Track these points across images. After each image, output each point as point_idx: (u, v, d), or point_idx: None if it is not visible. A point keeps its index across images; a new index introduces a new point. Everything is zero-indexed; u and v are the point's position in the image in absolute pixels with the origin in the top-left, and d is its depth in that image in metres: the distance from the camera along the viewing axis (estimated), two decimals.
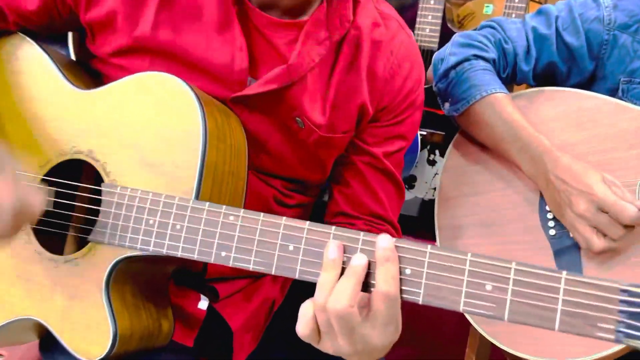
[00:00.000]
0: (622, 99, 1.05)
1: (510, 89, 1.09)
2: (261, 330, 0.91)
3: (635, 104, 1.03)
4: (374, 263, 0.55)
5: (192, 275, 0.85)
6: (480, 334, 1.25)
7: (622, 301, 0.48)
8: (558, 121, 1.04)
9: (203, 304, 0.84)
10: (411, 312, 1.04)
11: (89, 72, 0.84)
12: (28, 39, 0.80)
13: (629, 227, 0.87)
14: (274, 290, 0.93)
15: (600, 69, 1.07)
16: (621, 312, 0.48)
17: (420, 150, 1.79)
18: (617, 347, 0.84)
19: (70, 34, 0.95)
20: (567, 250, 0.96)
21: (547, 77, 1.12)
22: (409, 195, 1.81)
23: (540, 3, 1.92)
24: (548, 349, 0.90)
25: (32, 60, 0.79)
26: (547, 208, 0.99)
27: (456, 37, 1.12)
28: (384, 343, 0.57)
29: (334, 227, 0.58)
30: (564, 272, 0.50)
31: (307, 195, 0.94)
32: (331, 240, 0.57)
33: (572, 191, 0.91)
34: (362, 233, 0.57)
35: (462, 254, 0.53)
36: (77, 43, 1.30)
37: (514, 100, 1.07)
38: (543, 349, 0.90)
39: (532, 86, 1.12)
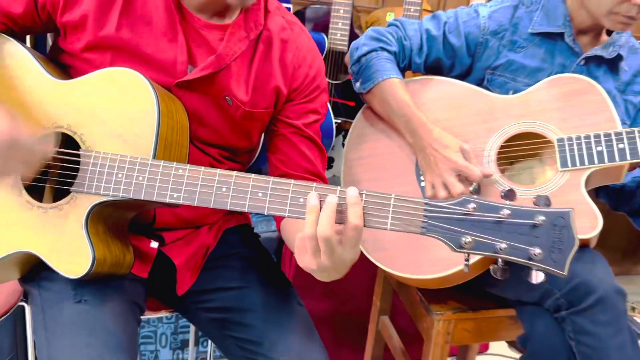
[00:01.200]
0: (487, 87, 1.40)
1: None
2: (198, 269, 1.18)
3: (495, 91, 1.38)
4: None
5: (143, 225, 1.11)
6: (384, 285, 1.61)
7: (425, 209, 0.80)
8: (437, 101, 1.38)
9: (154, 244, 1.10)
10: None
11: (59, 65, 1.07)
12: (11, 38, 1.03)
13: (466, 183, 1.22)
14: (208, 238, 1.20)
15: (474, 64, 1.42)
16: (425, 215, 0.80)
17: (336, 136, 2.12)
18: (459, 267, 1.18)
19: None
20: None
21: (435, 68, 1.46)
22: (328, 174, 2.14)
23: (430, 12, 2.28)
24: (417, 268, 1.23)
25: (16, 56, 1.02)
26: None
27: (369, 31, 1.44)
28: (351, 259, 0.83)
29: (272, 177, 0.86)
30: (393, 195, 0.81)
31: (237, 162, 1.21)
32: (312, 192, 0.83)
33: (438, 156, 1.24)
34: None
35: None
36: (40, 43, 1.52)
37: (409, 84, 1.40)
38: (413, 268, 1.23)
39: (424, 74, 1.46)
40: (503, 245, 0.78)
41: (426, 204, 0.80)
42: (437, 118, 1.34)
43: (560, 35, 1.33)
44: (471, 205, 0.79)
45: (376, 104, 1.38)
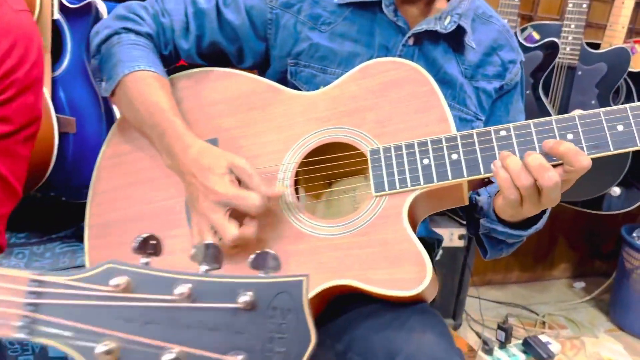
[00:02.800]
0: (293, 85, 1.02)
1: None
2: None
3: (302, 88, 1.01)
4: None
5: None
6: None
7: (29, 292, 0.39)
8: (218, 104, 0.98)
9: None
10: None
11: None
12: None
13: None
14: None
15: (270, 50, 1.03)
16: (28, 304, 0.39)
17: None
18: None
19: None
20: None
21: (217, 57, 1.05)
22: None
23: None
24: None
25: None
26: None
27: (118, 8, 1.02)
28: None
29: None
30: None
31: None
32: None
33: (199, 186, 0.84)
34: None
35: None
36: None
37: (179, 80, 0.99)
38: None
39: (203, 66, 1.05)
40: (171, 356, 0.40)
41: (34, 281, 0.40)
42: (218, 126, 0.95)
43: (378, 4, 0.97)
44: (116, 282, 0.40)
45: (125, 111, 0.97)
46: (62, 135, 1.38)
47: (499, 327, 2.23)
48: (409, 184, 0.81)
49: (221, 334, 0.41)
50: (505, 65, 1.05)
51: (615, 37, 2.03)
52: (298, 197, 0.99)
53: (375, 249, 0.80)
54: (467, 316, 2.42)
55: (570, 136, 0.76)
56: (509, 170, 0.75)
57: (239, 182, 0.84)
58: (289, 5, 1.00)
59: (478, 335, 2.31)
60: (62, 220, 1.43)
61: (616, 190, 2.13)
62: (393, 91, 0.88)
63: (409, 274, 0.77)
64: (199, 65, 1.05)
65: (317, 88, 0.96)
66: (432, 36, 0.99)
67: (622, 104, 2.26)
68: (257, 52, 1.04)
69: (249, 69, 1.09)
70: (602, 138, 0.75)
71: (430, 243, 1.25)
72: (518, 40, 1.93)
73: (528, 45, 1.94)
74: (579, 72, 1.97)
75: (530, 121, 0.78)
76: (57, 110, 1.40)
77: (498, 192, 0.85)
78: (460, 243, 2.20)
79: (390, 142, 0.85)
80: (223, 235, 0.80)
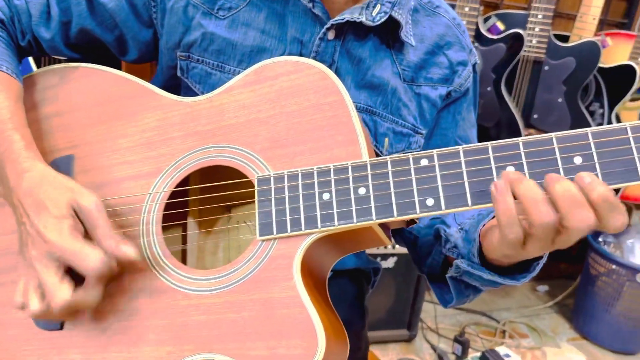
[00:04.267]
0: (184, 81, 0.82)
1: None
2: None
3: (195, 88, 0.81)
4: None
5: None
6: None
7: None
8: (80, 110, 0.77)
9: None
10: None
11: None
12: None
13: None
14: None
15: (159, 38, 0.83)
16: None
17: None
18: None
19: None
20: None
21: (93, 49, 0.85)
22: None
23: None
24: None
25: None
26: None
27: None
28: None
29: None
30: None
31: None
32: None
33: (30, 229, 0.64)
34: None
35: None
36: None
37: (45, 76, 0.79)
38: None
39: (75, 60, 0.84)
40: None
41: None
42: (78, 138, 0.75)
43: None
44: None
45: None
46: None
47: (456, 340, 2.08)
48: (303, 226, 0.62)
49: None
50: (453, 68, 0.86)
51: (585, 29, 1.86)
52: (185, 226, 0.80)
53: (256, 313, 0.61)
54: (423, 325, 2.27)
55: (511, 168, 0.58)
56: (523, 199, 0.54)
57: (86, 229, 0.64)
58: None
59: (434, 348, 2.16)
60: None
61: None
62: (293, 101, 0.68)
63: (294, 350, 0.58)
64: (71, 60, 0.84)
65: (214, 89, 0.76)
66: (359, 29, 0.79)
67: (592, 102, 2.10)
68: (142, 42, 0.84)
69: (136, 62, 0.89)
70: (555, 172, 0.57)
71: (367, 272, 1.07)
72: (479, 31, 1.75)
73: (491, 36, 1.75)
74: (546, 67, 1.80)
75: (460, 147, 0.60)
76: None
77: (486, 224, 0.66)
78: None
79: (284, 169, 0.65)
80: (50, 299, 0.60)
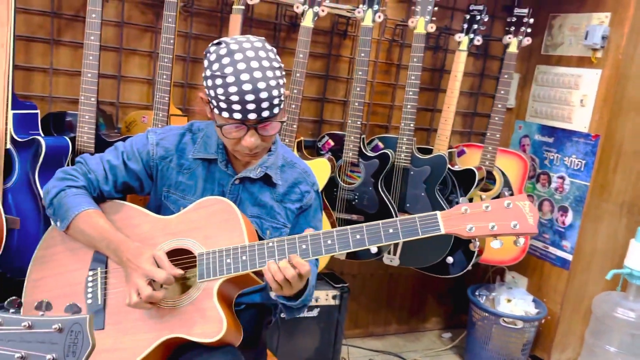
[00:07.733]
0: (166, 205, 1.60)
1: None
2: None
3: (170, 207, 1.59)
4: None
5: None
6: None
7: None
8: (131, 219, 1.55)
9: None
10: None
11: None
12: None
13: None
14: None
15: (156, 183, 1.62)
16: None
17: None
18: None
19: None
20: (99, 310, 1.46)
21: (128, 189, 1.64)
22: None
23: (180, 115, 2.51)
24: None
25: None
26: (90, 283, 1.48)
27: (58, 172, 1.59)
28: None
29: None
30: None
31: None
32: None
33: (132, 265, 1.41)
34: None
35: None
36: None
37: (109, 208, 1.56)
38: None
39: (119, 198, 1.63)
40: (21, 355, 0.89)
41: None
42: (134, 233, 1.52)
43: (215, 160, 1.59)
44: None
45: (79, 237, 1.53)
46: (9, 230, 1.93)
47: None
48: (217, 274, 1.40)
49: (45, 345, 0.90)
50: (302, 194, 1.67)
51: (441, 144, 2.74)
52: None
53: (196, 314, 1.37)
54: None
55: (304, 246, 1.37)
56: (270, 270, 1.35)
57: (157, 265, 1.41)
58: (164, 157, 1.60)
59: None
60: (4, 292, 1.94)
61: (450, 259, 2.78)
62: (214, 217, 1.47)
63: (212, 329, 1.34)
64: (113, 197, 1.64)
65: (179, 209, 1.55)
66: (250, 179, 1.60)
67: (450, 193, 2.96)
68: (150, 184, 1.63)
69: (144, 195, 1.68)
70: (318, 247, 1.36)
71: (268, 307, 1.83)
72: (362, 151, 2.60)
73: (369, 154, 2.61)
74: (412, 172, 2.65)
75: (285, 238, 1.39)
76: (5, 212, 1.95)
77: None
78: (334, 302, 2.78)
79: (210, 248, 1.43)
80: (141, 293, 1.37)
